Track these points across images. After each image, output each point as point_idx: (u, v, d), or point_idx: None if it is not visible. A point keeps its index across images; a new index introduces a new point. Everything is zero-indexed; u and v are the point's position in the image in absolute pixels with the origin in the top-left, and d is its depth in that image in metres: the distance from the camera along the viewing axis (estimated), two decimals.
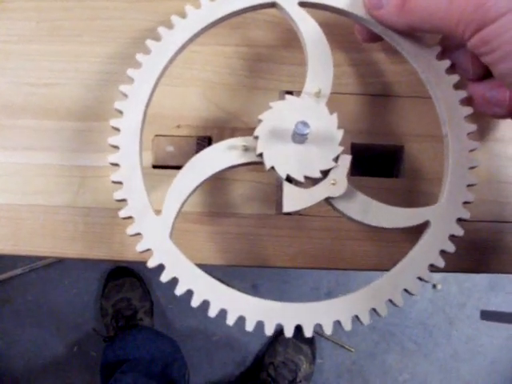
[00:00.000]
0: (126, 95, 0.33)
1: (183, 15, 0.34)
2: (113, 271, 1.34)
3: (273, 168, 0.32)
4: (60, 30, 0.41)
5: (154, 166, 0.39)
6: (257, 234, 0.38)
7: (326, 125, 0.32)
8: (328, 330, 0.31)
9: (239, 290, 0.31)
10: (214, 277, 0.31)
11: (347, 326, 0.31)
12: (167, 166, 0.39)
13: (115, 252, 0.38)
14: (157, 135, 0.39)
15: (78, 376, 1.33)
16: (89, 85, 0.40)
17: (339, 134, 0.32)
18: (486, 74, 0.34)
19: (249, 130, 0.34)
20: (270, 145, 0.32)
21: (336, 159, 0.32)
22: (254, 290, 1.30)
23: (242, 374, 1.34)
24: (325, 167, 0.32)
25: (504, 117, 0.34)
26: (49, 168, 0.39)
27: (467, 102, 0.34)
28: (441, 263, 0.32)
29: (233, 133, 0.39)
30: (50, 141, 0.39)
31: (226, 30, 0.40)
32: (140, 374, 1.03)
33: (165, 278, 0.31)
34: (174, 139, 0.39)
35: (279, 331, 0.31)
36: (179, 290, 0.31)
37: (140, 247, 0.31)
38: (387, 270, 0.33)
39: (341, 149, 0.32)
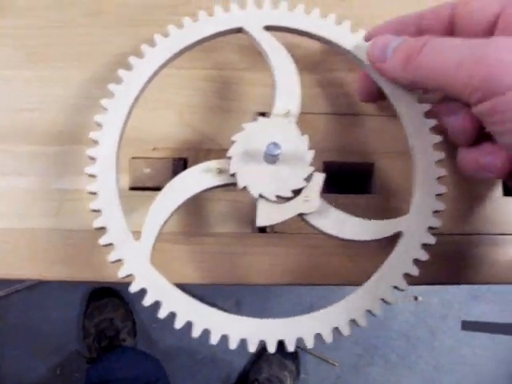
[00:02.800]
0: (100, 125, 0.34)
1: (154, 43, 0.36)
2: (95, 292, 1.33)
3: (245, 188, 0.33)
4: (36, 56, 0.41)
5: (132, 188, 0.40)
6: (234, 253, 0.39)
7: (297, 145, 0.33)
8: (309, 343, 0.32)
9: (222, 307, 0.32)
10: (196, 296, 0.32)
11: (328, 338, 0.32)
12: (145, 187, 0.40)
13: (96, 273, 0.39)
14: (134, 158, 0.40)
15: None
16: (66, 109, 0.41)
17: (310, 154, 0.33)
18: (477, 139, 0.34)
19: (223, 151, 0.35)
20: (243, 165, 0.33)
21: (307, 179, 0.33)
22: (237, 307, 1.31)
23: None
24: (296, 186, 0.33)
25: (494, 179, 0.35)
26: (28, 192, 0.40)
27: (436, 129, 0.35)
28: (415, 272, 0.33)
29: (207, 154, 0.40)
30: (29, 165, 0.40)
31: (201, 54, 0.41)
32: None
33: (147, 301, 0.32)
34: (150, 161, 0.40)
35: (263, 348, 0.32)
36: (162, 313, 0.32)
37: (121, 273, 0.32)
38: (363, 283, 0.34)
39: (311, 169, 0.33)
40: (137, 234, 0.33)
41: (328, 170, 0.40)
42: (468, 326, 1.15)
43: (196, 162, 0.39)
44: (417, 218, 0.34)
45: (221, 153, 0.39)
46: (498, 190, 0.41)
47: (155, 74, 0.35)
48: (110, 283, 0.38)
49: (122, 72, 0.35)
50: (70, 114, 0.40)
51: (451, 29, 0.35)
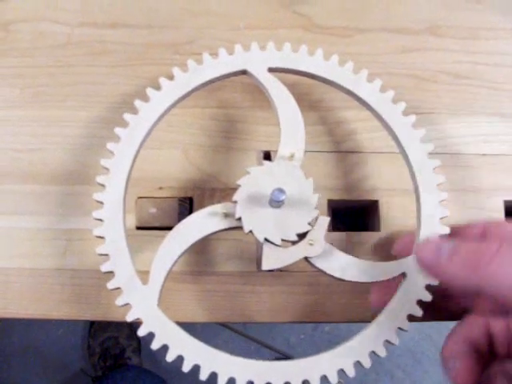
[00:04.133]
0: (107, 169, 0.35)
1: (158, 85, 0.36)
2: None
3: (251, 232, 0.33)
4: (43, 96, 0.42)
5: (138, 228, 0.40)
6: (239, 291, 0.40)
7: (302, 189, 0.34)
8: None
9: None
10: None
11: (333, 379, 0.33)
12: (151, 227, 0.40)
13: (102, 313, 0.39)
14: (140, 197, 0.40)
15: None
16: (72, 149, 0.41)
17: (315, 198, 0.34)
18: None
19: (228, 190, 0.35)
20: (249, 209, 0.33)
21: (312, 222, 0.33)
22: (241, 325, 1.30)
23: None
24: (301, 230, 0.33)
25: None
26: (35, 232, 0.40)
27: None
28: (418, 313, 0.34)
29: (213, 193, 0.40)
30: (36, 205, 0.40)
31: (205, 93, 0.41)
32: None
33: (155, 345, 0.32)
34: (156, 201, 0.40)
35: None
36: (170, 357, 0.32)
37: (129, 317, 0.33)
38: (367, 321, 0.34)
39: (316, 212, 0.33)
40: (143, 274, 0.33)
41: (332, 208, 0.40)
42: None
43: (202, 201, 0.39)
44: None
45: (226, 192, 0.40)
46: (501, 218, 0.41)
47: (161, 117, 0.36)
48: (117, 322, 0.39)
49: (127, 116, 0.35)
50: (76, 153, 0.41)
51: None
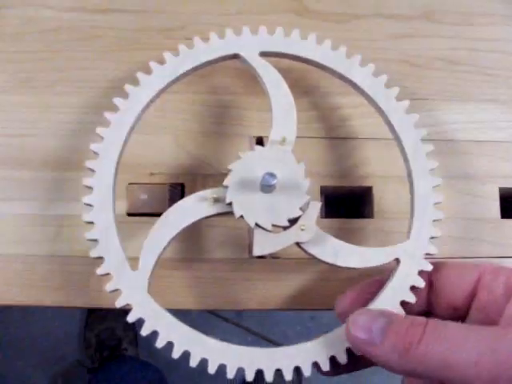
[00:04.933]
0: (96, 153, 0.34)
1: (149, 70, 0.36)
2: None
3: (242, 217, 0.33)
4: (33, 81, 0.42)
5: (129, 214, 0.40)
6: (231, 278, 0.39)
7: (294, 174, 0.33)
8: (307, 372, 0.32)
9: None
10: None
11: (325, 366, 0.32)
12: (141, 213, 0.40)
13: (93, 300, 0.39)
14: (130, 183, 0.40)
15: None
16: (62, 135, 0.41)
17: (306, 183, 0.33)
18: None
19: (220, 176, 0.35)
20: (239, 194, 0.33)
21: (303, 207, 0.33)
22: (238, 317, 1.30)
23: None
24: (292, 216, 0.33)
25: None
26: (24, 218, 0.40)
27: None
28: (412, 299, 0.33)
29: (205, 179, 0.40)
30: (26, 191, 0.40)
31: (197, 78, 0.41)
32: None
33: (145, 331, 0.32)
34: (147, 187, 0.40)
35: None
36: (160, 343, 0.32)
37: (119, 303, 0.33)
38: None
39: (307, 197, 0.33)
40: (134, 260, 0.33)
41: (325, 195, 0.40)
42: None
43: (193, 187, 0.39)
44: (414, 244, 0.34)
45: (218, 177, 0.39)
46: (496, 212, 0.41)
47: (151, 101, 0.36)
48: (108, 310, 0.38)
49: (117, 100, 0.35)
50: (66, 139, 0.40)
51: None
